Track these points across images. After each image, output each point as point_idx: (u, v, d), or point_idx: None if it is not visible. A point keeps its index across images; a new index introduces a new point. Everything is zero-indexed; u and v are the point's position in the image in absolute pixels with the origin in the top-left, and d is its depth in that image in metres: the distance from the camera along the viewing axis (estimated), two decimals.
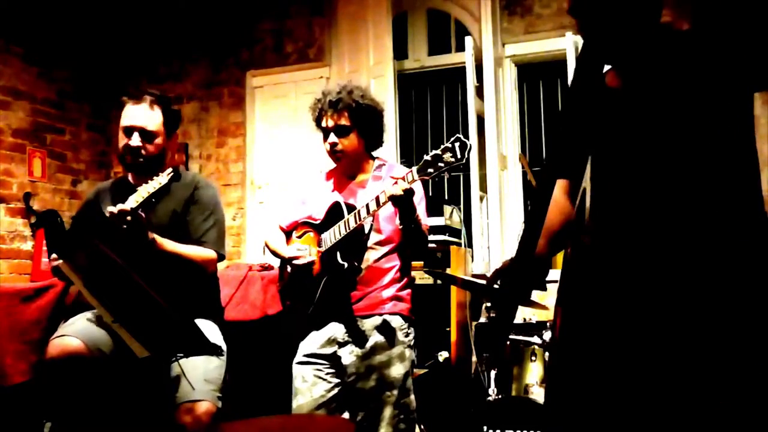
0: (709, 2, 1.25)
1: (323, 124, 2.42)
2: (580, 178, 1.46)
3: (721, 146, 1.30)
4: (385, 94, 4.16)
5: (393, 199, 2.17)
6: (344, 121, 2.39)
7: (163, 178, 2.15)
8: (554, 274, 1.51)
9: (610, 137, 1.40)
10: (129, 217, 2.07)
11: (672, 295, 1.27)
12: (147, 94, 2.37)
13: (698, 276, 1.26)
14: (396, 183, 2.17)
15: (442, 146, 2.10)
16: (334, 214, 2.37)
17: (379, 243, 2.41)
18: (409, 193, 2.16)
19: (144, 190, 2.14)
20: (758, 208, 1.33)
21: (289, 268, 2.49)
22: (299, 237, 2.53)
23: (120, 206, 2.09)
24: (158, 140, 2.35)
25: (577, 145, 1.45)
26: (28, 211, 4.71)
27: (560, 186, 1.58)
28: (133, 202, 2.12)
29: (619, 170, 1.38)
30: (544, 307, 2.78)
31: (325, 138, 2.43)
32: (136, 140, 2.31)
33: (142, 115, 2.33)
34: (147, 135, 2.32)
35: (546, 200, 1.26)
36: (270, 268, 3.34)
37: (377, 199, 2.21)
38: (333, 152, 2.43)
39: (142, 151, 2.32)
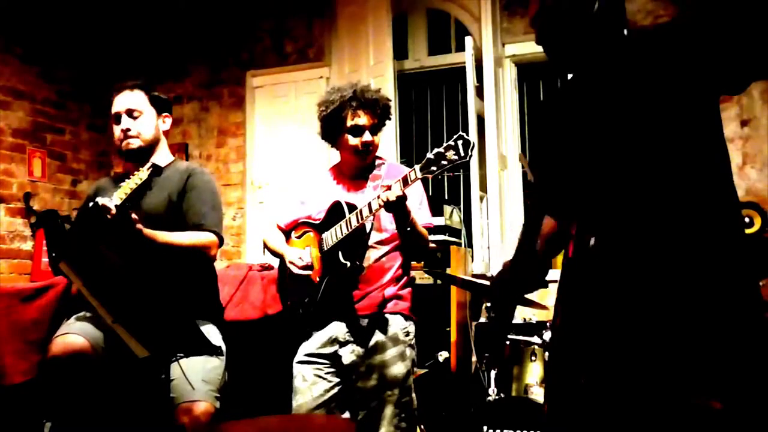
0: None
1: (357, 122, 2.39)
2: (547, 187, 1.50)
3: (691, 146, 1.31)
4: (385, 94, 4.15)
5: (385, 205, 2.17)
6: (377, 120, 2.42)
7: (143, 174, 2.14)
8: (554, 274, 1.52)
9: (586, 143, 1.41)
10: (115, 214, 2.06)
11: (660, 296, 1.28)
12: (127, 82, 2.46)
13: (681, 276, 1.27)
14: (387, 189, 2.16)
15: (445, 144, 2.08)
16: (335, 213, 2.37)
17: (381, 242, 2.41)
18: (401, 199, 2.15)
19: (126, 186, 2.12)
20: (732, 205, 1.35)
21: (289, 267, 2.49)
22: (298, 237, 2.52)
23: (102, 201, 2.06)
24: (145, 118, 2.41)
25: (556, 172, 1.49)
26: (28, 211, 4.71)
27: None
28: (117, 198, 2.09)
29: (600, 176, 1.39)
30: (544, 307, 2.78)
31: (357, 135, 2.40)
32: (125, 122, 2.38)
33: (124, 99, 2.41)
34: (132, 114, 2.39)
35: (540, 210, 1.28)
36: (270, 267, 3.33)
37: (380, 198, 2.21)
38: (366, 150, 2.42)
39: (132, 132, 2.37)
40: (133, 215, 2.11)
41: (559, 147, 1.48)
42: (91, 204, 2.08)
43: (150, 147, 2.40)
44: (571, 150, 1.44)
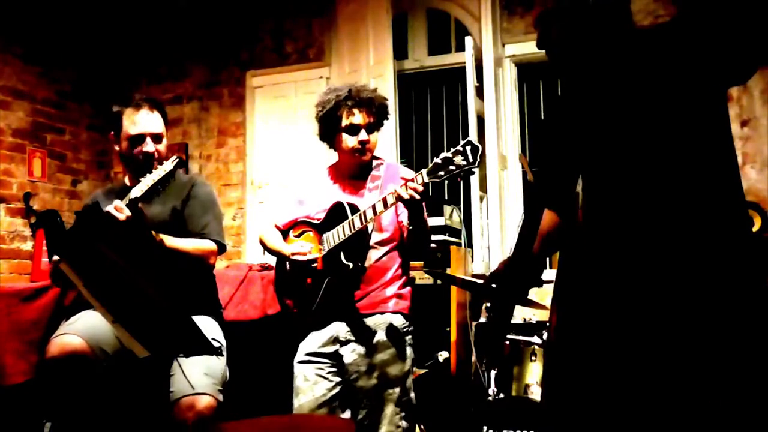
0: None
1: (353, 121, 2.39)
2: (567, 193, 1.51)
3: (698, 143, 1.31)
4: (385, 94, 4.11)
5: (405, 201, 2.15)
6: (373, 119, 2.42)
7: (168, 165, 2.18)
8: (552, 274, 1.52)
9: (592, 142, 1.41)
10: (129, 209, 2.11)
11: (663, 293, 1.27)
12: (141, 101, 2.42)
13: (686, 273, 1.27)
14: (404, 185, 2.15)
15: (453, 149, 2.07)
16: (336, 214, 2.36)
17: (381, 242, 2.41)
18: (424, 195, 2.14)
19: (149, 179, 2.17)
20: (739, 203, 1.35)
21: (288, 266, 2.48)
22: (297, 236, 2.52)
23: (117, 203, 2.11)
24: (165, 140, 2.44)
25: (561, 167, 1.49)
26: (28, 211, 4.71)
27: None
28: (138, 191, 2.15)
29: (605, 173, 1.39)
30: (544, 307, 2.78)
31: (353, 135, 2.40)
32: (150, 146, 2.38)
33: (148, 120, 2.39)
34: (157, 138, 2.40)
35: (539, 207, 1.28)
36: (270, 268, 3.33)
37: (385, 200, 2.20)
38: (362, 150, 2.42)
39: (156, 155, 2.38)
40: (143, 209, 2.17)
41: (565, 144, 1.48)
42: (114, 204, 2.14)
43: (162, 160, 2.41)
44: (577, 147, 1.44)
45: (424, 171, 2.12)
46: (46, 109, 4.92)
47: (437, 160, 2.09)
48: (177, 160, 2.21)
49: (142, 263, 1.95)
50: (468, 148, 2.05)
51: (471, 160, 2.04)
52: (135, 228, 2.14)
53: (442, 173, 2.07)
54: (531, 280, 1.67)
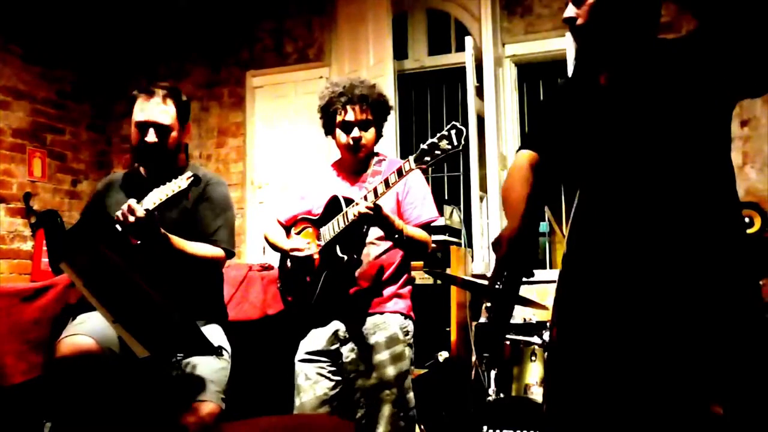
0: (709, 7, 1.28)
1: (345, 118, 2.38)
2: (549, 155, 1.51)
3: (700, 149, 1.32)
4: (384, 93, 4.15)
5: (360, 219, 2.16)
6: (367, 116, 2.40)
7: (183, 182, 2.08)
8: (553, 274, 1.52)
9: (596, 137, 1.42)
10: (141, 219, 2.04)
11: (661, 295, 1.28)
12: (159, 88, 2.30)
13: (684, 276, 1.27)
14: (357, 204, 2.16)
15: (438, 134, 2.09)
16: (332, 208, 2.36)
17: (381, 238, 2.40)
18: (375, 210, 2.15)
19: (162, 192, 2.08)
20: (735, 208, 1.35)
21: (289, 263, 2.48)
22: (298, 233, 2.52)
23: (132, 204, 2.05)
24: (173, 134, 2.29)
25: (553, 127, 1.50)
26: (28, 211, 4.71)
27: (527, 159, 1.65)
28: (150, 203, 2.07)
29: (605, 172, 1.39)
30: (544, 307, 2.78)
31: (346, 131, 2.40)
32: (152, 136, 2.24)
33: (156, 110, 2.25)
34: (162, 130, 2.25)
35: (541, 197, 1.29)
36: (270, 268, 3.34)
37: (374, 190, 2.20)
38: (356, 147, 2.41)
39: (158, 146, 2.26)
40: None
41: (570, 134, 1.48)
42: (121, 210, 2.06)
43: (171, 154, 2.33)
44: (581, 140, 1.44)
45: (411, 158, 2.13)
46: (46, 109, 4.92)
47: (423, 146, 2.10)
48: (192, 177, 2.09)
49: (146, 265, 1.96)
50: (453, 131, 2.07)
51: (456, 143, 2.06)
52: (143, 235, 2.10)
53: (428, 158, 2.09)
54: (532, 257, 1.65)
